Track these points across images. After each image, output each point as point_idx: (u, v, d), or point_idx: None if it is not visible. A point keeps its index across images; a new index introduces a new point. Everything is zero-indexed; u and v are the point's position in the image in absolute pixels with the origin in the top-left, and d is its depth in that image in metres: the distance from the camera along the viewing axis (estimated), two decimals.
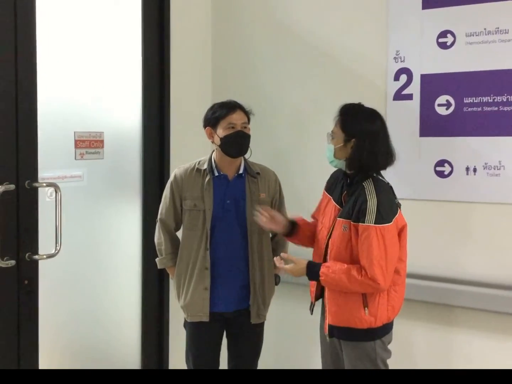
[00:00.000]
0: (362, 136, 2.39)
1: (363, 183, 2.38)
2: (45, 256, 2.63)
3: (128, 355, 3.26)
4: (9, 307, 2.58)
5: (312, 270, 2.43)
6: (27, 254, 2.60)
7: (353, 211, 2.35)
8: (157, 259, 2.86)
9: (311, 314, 2.62)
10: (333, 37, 3.20)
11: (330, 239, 2.45)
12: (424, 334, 3.00)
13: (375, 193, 2.34)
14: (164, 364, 3.34)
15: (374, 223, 2.30)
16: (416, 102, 2.98)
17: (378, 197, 2.33)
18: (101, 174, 3.01)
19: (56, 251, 2.62)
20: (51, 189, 2.66)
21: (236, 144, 2.70)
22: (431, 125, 2.96)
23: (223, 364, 2.95)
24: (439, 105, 2.94)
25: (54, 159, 2.77)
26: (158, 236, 2.83)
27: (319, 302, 2.62)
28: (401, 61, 3.02)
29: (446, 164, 2.95)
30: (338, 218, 2.41)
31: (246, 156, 2.80)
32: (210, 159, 2.77)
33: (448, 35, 2.91)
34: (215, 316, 2.75)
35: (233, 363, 2.90)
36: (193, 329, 2.79)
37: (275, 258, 2.55)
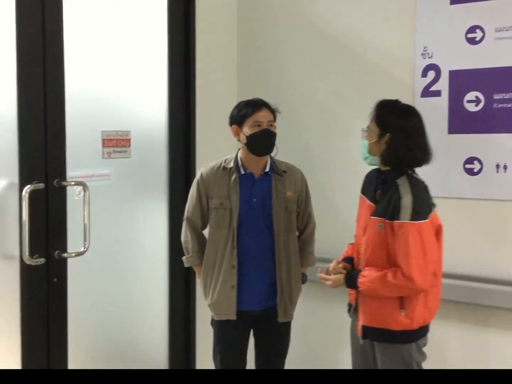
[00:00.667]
0: (397, 131, 2.35)
1: (397, 181, 2.34)
2: (73, 254, 2.66)
3: (155, 353, 3.28)
4: (39, 304, 2.61)
5: (350, 281, 2.43)
6: (56, 252, 2.63)
7: (388, 209, 2.31)
8: (183, 258, 2.86)
9: (350, 316, 2.57)
10: (360, 34, 3.17)
11: (365, 238, 2.42)
12: (458, 335, 2.95)
13: (410, 189, 2.30)
14: (191, 362, 3.35)
15: (410, 220, 2.26)
16: (444, 99, 2.95)
17: (413, 193, 2.29)
18: (128, 172, 3.03)
19: (85, 249, 2.65)
20: (80, 188, 2.68)
21: (262, 142, 2.69)
22: (460, 122, 2.92)
23: (250, 362, 2.94)
24: (468, 101, 2.90)
25: (82, 158, 2.80)
26: (185, 234, 2.83)
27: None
28: (429, 57, 2.98)
29: (475, 162, 2.90)
30: (372, 217, 2.38)
31: (272, 154, 2.79)
32: (236, 157, 2.77)
33: (477, 30, 2.86)
34: (242, 315, 2.74)
35: (260, 362, 2.89)
36: (220, 327, 2.79)
37: (320, 273, 2.55)
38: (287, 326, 2.84)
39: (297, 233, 2.85)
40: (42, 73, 2.58)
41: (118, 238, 3.01)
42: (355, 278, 2.40)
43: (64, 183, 2.64)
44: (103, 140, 2.87)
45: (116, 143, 2.94)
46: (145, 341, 3.23)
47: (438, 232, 2.39)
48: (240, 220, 2.71)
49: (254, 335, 2.88)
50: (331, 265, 2.55)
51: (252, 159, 2.74)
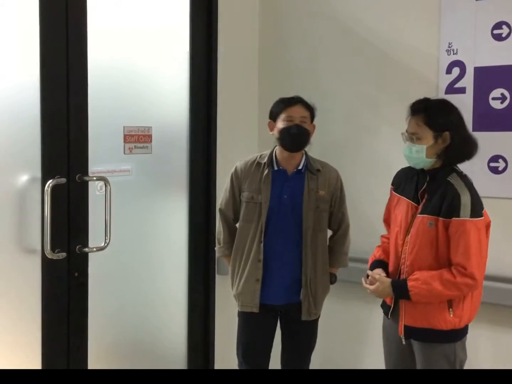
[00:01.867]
0: (453, 126, 2.32)
1: (449, 178, 2.32)
2: (95, 249, 2.67)
3: (174, 349, 3.28)
4: (60, 298, 2.63)
5: (399, 287, 2.35)
6: (77, 247, 2.64)
7: (442, 207, 2.28)
8: (216, 248, 2.92)
9: (388, 317, 2.50)
10: (384, 30, 3.14)
11: (409, 238, 2.36)
12: (489, 337, 2.90)
13: (466, 188, 2.30)
14: (210, 360, 3.35)
15: (470, 217, 2.25)
16: (469, 96, 2.90)
17: (470, 191, 2.29)
18: (149, 168, 3.03)
19: (106, 244, 2.67)
20: (101, 183, 2.69)
21: (292, 137, 2.69)
22: (485, 119, 2.88)
23: (277, 358, 2.92)
24: (494, 98, 2.85)
25: (104, 154, 2.81)
26: (218, 225, 2.89)
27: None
28: (453, 54, 2.94)
29: (500, 160, 2.86)
30: (420, 215, 2.33)
31: (307, 150, 2.78)
32: (271, 153, 2.79)
33: (504, 26, 2.82)
34: (266, 308, 2.75)
35: (284, 358, 2.89)
36: (245, 319, 2.82)
37: (362, 277, 2.50)
38: (312, 324, 2.82)
39: (329, 233, 2.84)
40: (65, 68, 2.59)
41: (139, 233, 3.02)
42: (404, 285, 2.33)
43: (86, 178, 2.65)
44: (125, 135, 2.88)
45: (138, 138, 2.94)
46: (164, 338, 3.23)
47: (487, 229, 2.39)
48: (269, 215, 2.71)
49: (281, 329, 2.88)
50: (373, 274, 2.45)
51: (286, 156, 2.75)
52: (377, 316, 2.66)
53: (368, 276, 2.50)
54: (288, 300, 2.76)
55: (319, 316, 2.83)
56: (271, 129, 2.77)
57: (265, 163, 2.75)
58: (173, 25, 3.15)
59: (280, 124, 2.70)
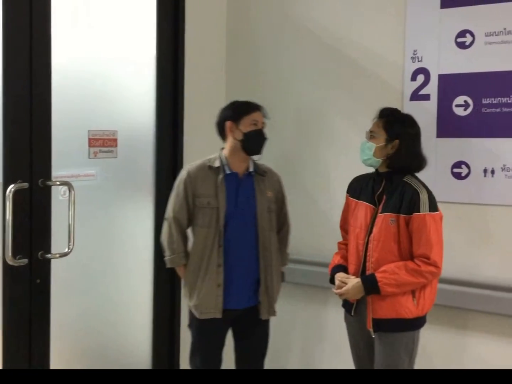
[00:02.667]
0: (405, 137, 2.54)
1: (405, 179, 2.53)
2: (57, 255, 2.62)
3: (139, 355, 3.24)
4: (21, 305, 2.57)
5: (369, 282, 2.48)
6: (39, 253, 2.59)
7: (401, 205, 2.47)
8: (167, 258, 2.81)
9: (351, 315, 2.61)
10: (349, 36, 3.16)
11: (371, 236, 2.52)
12: (438, 337, 2.95)
13: (422, 185, 2.51)
14: (175, 364, 3.32)
15: (429, 211, 2.45)
16: (433, 103, 2.95)
17: (425, 188, 2.51)
18: (115, 173, 2.99)
19: (69, 250, 2.62)
20: (65, 188, 2.65)
21: (257, 141, 2.74)
22: (449, 126, 2.92)
23: (229, 362, 2.92)
24: (457, 105, 2.90)
25: (68, 158, 2.76)
26: (169, 234, 2.79)
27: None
28: (418, 61, 2.98)
29: (463, 166, 2.90)
30: (381, 214, 2.50)
31: (256, 158, 2.82)
32: (220, 157, 2.78)
33: (467, 34, 2.87)
34: (226, 313, 2.75)
35: (241, 361, 2.89)
36: (203, 326, 2.78)
37: (336, 290, 2.60)
38: (267, 324, 2.86)
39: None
40: (28, 71, 2.54)
41: (103, 239, 2.98)
42: (373, 278, 2.46)
43: (49, 182, 2.60)
44: (90, 139, 2.84)
45: (103, 142, 2.90)
46: (129, 343, 3.19)
47: (441, 221, 2.57)
48: (226, 219, 2.72)
49: (234, 334, 2.88)
50: (342, 277, 2.59)
51: (239, 159, 2.76)
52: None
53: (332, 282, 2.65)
54: (247, 303, 2.77)
55: (275, 315, 2.85)
56: (230, 131, 2.74)
57: (218, 167, 2.74)
58: (140, 28, 3.12)
59: (246, 127, 2.71)
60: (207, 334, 2.79)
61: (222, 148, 2.80)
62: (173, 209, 2.78)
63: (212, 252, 2.70)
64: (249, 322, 2.80)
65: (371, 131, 2.59)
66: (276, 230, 2.86)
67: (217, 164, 2.75)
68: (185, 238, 2.80)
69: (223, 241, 2.71)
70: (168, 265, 2.83)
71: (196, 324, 2.80)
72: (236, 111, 2.74)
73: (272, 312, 2.82)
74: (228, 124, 2.74)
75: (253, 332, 2.84)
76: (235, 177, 2.76)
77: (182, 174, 2.79)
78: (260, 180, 2.79)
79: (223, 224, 2.71)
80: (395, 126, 2.54)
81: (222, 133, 2.80)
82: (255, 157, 2.82)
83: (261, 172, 2.80)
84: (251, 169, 2.78)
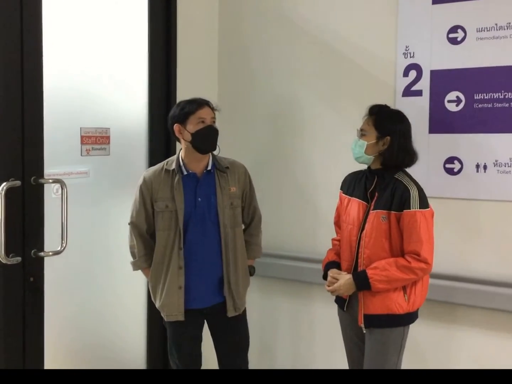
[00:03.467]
0: (396, 134, 2.54)
1: (396, 176, 2.54)
2: (50, 253, 2.61)
3: (133, 352, 3.24)
4: (15, 304, 2.56)
5: (360, 278, 2.50)
6: (32, 251, 2.58)
7: (392, 202, 2.49)
8: (130, 262, 2.82)
9: (344, 310, 2.64)
10: (341, 33, 3.16)
11: (363, 233, 2.54)
12: (428, 332, 2.97)
13: (413, 182, 2.53)
14: (169, 362, 3.31)
15: (419, 208, 2.46)
16: (425, 99, 2.95)
17: (416, 185, 2.52)
18: (107, 170, 2.99)
19: (62, 248, 2.61)
20: (57, 186, 2.64)
21: (207, 139, 2.70)
22: (441, 122, 2.93)
23: (212, 359, 2.92)
24: (449, 101, 2.91)
25: (60, 156, 2.75)
26: (130, 239, 2.80)
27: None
28: (410, 57, 2.99)
29: (455, 161, 2.91)
30: (373, 211, 2.52)
31: (216, 152, 2.79)
32: (177, 158, 2.76)
33: (459, 30, 2.87)
34: (192, 313, 2.74)
35: (222, 356, 2.88)
36: (173, 328, 2.79)
37: (327, 287, 2.63)
38: (241, 320, 2.84)
39: (243, 227, 2.87)
40: (20, 69, 2.53)
41: (96, 237, 2.97)
42: (364, 274, 2.48)
43: (41, 180, 2.59)
44: (82, 137, 2.83)
45: (95, 140, 2.89)
46: (123, 340, 3.19)
47: (432, 218, 2.57)
48: (186, 220, 2.71)
49: (210, 331, 2.88)
50: (333, 274, 2.62)
51: (194, 159, 2.73)
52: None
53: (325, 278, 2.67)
54: (213, 301, 2.76)
55: (245, 311, 2.85)
56: (179, 133, 2.71)
57: (173, 169, 2.73)
58: (132, 25, 3.11)
59: (193, 126, 2.67)
60: (179, 335, 2.80)
61: (181, 149, 2.78)
62: (132, 215, 2.79)
63: (172, 255, 2.70)
64: (219, 318, 2.79)
65: (361, 129, 2.60)
66: (242, 225, 2.85)
67: (172, 166, 2.74)
68: (146, 242, 2.79)
69: (183, 243, 2.70)
70: (133, 269, 2.83)
71: (167, 325, 2.81)
72: (181, 113, 2.69)
73: (238, 309, 2.79)
74: (176, 127, 2.71)
75: (227, 328, 2.81)
76: (193, 177, 2.74)
77: (139, 180, 2.79)
78: (221, 176, 2.76)
79: (183, 226, 2.70)
80: (385, 123, 2.56)
81: (174, 136, 2.77)
82: (215, 152, 2.79)
83: (221, 168, 2.77)
84: (209, 167, 2.75)
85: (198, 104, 2.71)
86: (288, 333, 3.42)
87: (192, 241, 2.71)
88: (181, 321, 2.72)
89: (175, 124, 2.71)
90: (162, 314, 2.79)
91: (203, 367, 2.88)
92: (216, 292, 2.76)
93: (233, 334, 2.83)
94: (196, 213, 2.72)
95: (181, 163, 2.74)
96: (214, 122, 2.73)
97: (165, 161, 2.80)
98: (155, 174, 2.75)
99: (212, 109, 2.74)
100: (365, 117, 2.61)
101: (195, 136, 2.67)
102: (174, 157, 2.79)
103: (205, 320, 2.85)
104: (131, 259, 2.81)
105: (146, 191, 2.74)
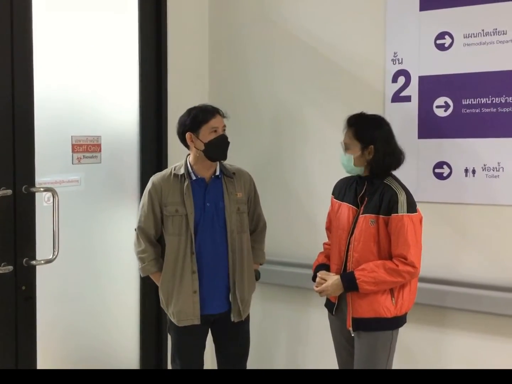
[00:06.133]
0: (378, 141, 2.56)
1: (385, 181, 2.57)
2: (42, 262, 2.61)
3: (126, 361, 3.23)
4: (7, 313, 2.56)
5: (348, 279, 2.52)
6: (24, 260, 2.58)
7: (381, 206, 2.52)
8: (139, 268, 2.83)
9: (333, 314, 2.66)
10: (331, 39, 3.19)
11: (353, 237, 2.56)
12: (418, 336, 2.98)
13: (401, 187, 2.55)
14: (163, 364, 3.31)
15: (407, 212, 2.48)
16: (414, 104, 2.98)
17: (404, 190, 2.54)
18: (99, 178, 2.99)
19: (54, 257, 2.61)
20: (49, 194, 2.64)
21: (220, 148, 2.73)
22: (430, 127, 2.96)
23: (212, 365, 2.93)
24: (438, 106, 2.94)
25: (51, 164, 2.75)
26: (138, 244, 2.81)
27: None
28: (399, 63, 3.01)
29: (445, 166, 2.94)
30: (362, 215, 2.55)
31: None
32: (186, 163, 2.78)
33: (446, 36, 2.90)
34: (204, 319, 2.76)
35: (222, 364, 2.90)
36: (182, 333, 2.79)
37: (316, 287, 2.65)
38: (244, 325, 2.85)
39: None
40: (10, 77, 2.53)
41: (88, 245, 2.97)
42: (352, 275, 2.50)
43: (33, 189, 2.59)
44: (73, 145, 2.84)
45: (87, 148, 2.90)
46: (116, 348, 3.19)
47: (420, 222, 2.59)
48: (196, 225, 2.73)
49: (214, 338, 2.89)
50: (322, 274, 2.65)
51: (204, 165, 2.76)
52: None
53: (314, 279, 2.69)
54: (223, 308, 2.78)
55: (248, 318, 2.87)
56: (191, 142, 2.73)
57: (182, 174, 2.75)
58: (122, 33, 3.13)
59: (206, 136, 2.70)
60: (186, 340, 2.80)
61: (188, 154, 2.81)
62: (140, 220, 2.80)
63: (185, 259, 2.71)
64: (224, 325, 2.81)
65: (345, 143, 2.61)
66: (249, 231, 2.87)
67: (181, 171, 2.76)
68: (154, 247, 2.81)
69: (195, 248, 2.72)
70: (142, 275, 2.84)
71: (175, 329, 2.81)
72: (194, 121, 2.72)
73: (243, 314, 2.80)
74: (188, 136, 2.74)
75: (230, 334, 2.83)
76: (202, 182, 2.76)
77: (148, 185, 2.80)
78: (228, 182, 2.80)
79: (194, 230, 2.72)
80: (366, 133, 2.57)
81: (184, 143, 2.79)
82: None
83: (229, 174, 2.81)
84: (217, 173, 2.78)
85: (211, 113, 2.73)
86: (286, 338, 3.42)
87: (202, 246, 2.73)
88: (193, 326, 2.73)
89: (187, 133, 2.73)
90: (172, 320, 2.78)
91: None
92: (223, 298, 2.77)
93: (237, 340, 2.85)
94: (205, 218, 2.74)
95: (190, 169, 2.76)
96: (224, 130, 2.76)
97: (172, 166, 2.82)
98: (164, 179, 2.77)
99: (222, 116, 2.77)
100: (344, 130, 2.62)
101: (208, 145, 2.70)
102: (182, 162, 2.80)
103: (209, 328, 2.86)
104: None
105: (155, 196, 2.75)
